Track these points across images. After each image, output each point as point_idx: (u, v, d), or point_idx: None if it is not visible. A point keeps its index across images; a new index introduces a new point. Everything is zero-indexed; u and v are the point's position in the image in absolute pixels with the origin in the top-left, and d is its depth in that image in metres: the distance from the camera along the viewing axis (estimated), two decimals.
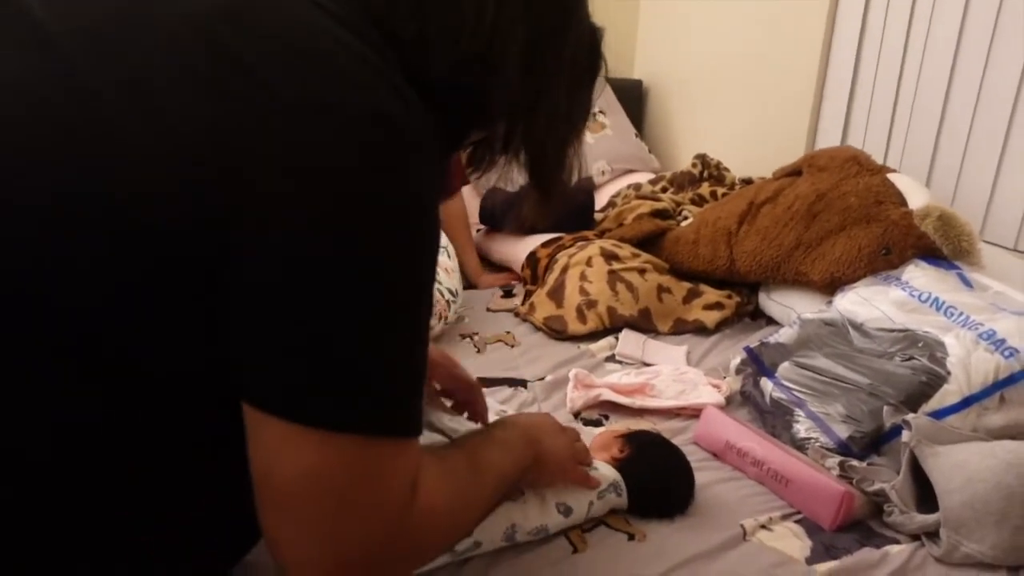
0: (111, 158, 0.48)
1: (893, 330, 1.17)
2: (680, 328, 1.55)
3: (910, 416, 1.01)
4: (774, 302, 1.57)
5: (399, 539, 0.55)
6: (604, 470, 0.93)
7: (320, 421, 0.49)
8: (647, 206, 1.85)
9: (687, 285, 1.62)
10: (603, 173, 2.35)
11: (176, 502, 0.55)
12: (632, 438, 1.00)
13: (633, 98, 2.62)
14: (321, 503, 0.50)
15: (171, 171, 0.48)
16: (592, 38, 0.71)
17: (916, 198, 1.45)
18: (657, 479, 0.97)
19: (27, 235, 0.47)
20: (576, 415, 1.23)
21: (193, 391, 0.52)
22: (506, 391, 1.27)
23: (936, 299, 1.17)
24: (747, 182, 2.00)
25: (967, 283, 1.25)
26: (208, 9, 0.51)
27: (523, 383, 1.31)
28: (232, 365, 0.50)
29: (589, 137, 2.36)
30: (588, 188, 2.08)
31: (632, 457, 0.97)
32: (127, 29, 0.51)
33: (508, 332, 1.53)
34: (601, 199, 2.16)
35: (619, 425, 1.21)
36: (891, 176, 1.52)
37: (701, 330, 1.55)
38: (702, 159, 2.05)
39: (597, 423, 1.22)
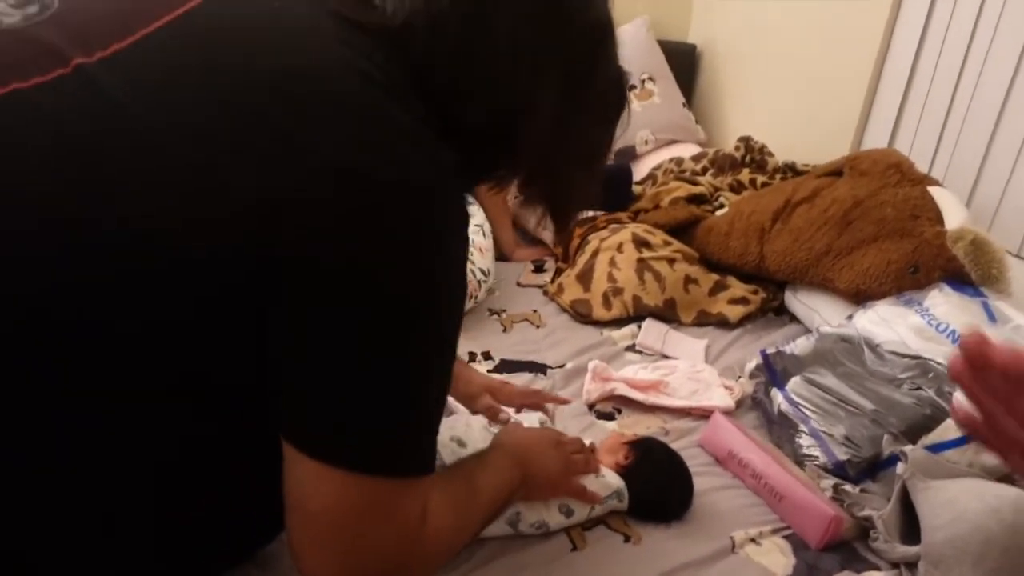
0: (160, 197, 0.53)
1: (907, 356, 1.20)
2: (703, 320, 1.59)
3: (908, 448, 1.05)
4: (799, 302, 1.60)
5: (410, 559, 0.63)
6: (610, 478, 0.99)
7: (346, 463, 0.56)
8: (684, 190, 1.86)
9: (714, 277, 1.65)
10: (646, 143, 2.34)
11: (214, 493, 0.62)
12: (638, 445, 1.06)
13: (685, 64, 2.57)
14: (342, 530, 0.57)
15: (235, 222, 0.53)
16: (619, 77, 0.73)
17: (953, 217, 1.44)
18: (657, 488, 1.03)
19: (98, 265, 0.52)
20: (591, 407, 1.29)
21: (239, 408, 0.59)
22: (526, 376, 1.34)
23: (953, 331, 1.19)
24: (790, 167, 1.99)
25: (990, 314, 1.26)
26: (270, 83, 0.56)
27: (543, 369, 1.37)
28: (271, 400, 0.56)
29: (636, 104, 2.34)
30: (625, 166, 2.08)
31: (636, 465, 1.03)
32: (196, 95, 0.56)
33: (535, 311, 1.58)
34: (642, 170, 2.16)
35: (630, 420, 1.27)
36: (932, 189, 1.50)
37: (723, 323, 1.59)
38: (746, 142, 2.03)
39: (610, 416, 1.28)
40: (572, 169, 0.72)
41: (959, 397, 0.57)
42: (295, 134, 0.54)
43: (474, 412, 1.05)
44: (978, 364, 0.51)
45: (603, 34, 0.70)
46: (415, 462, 0.60)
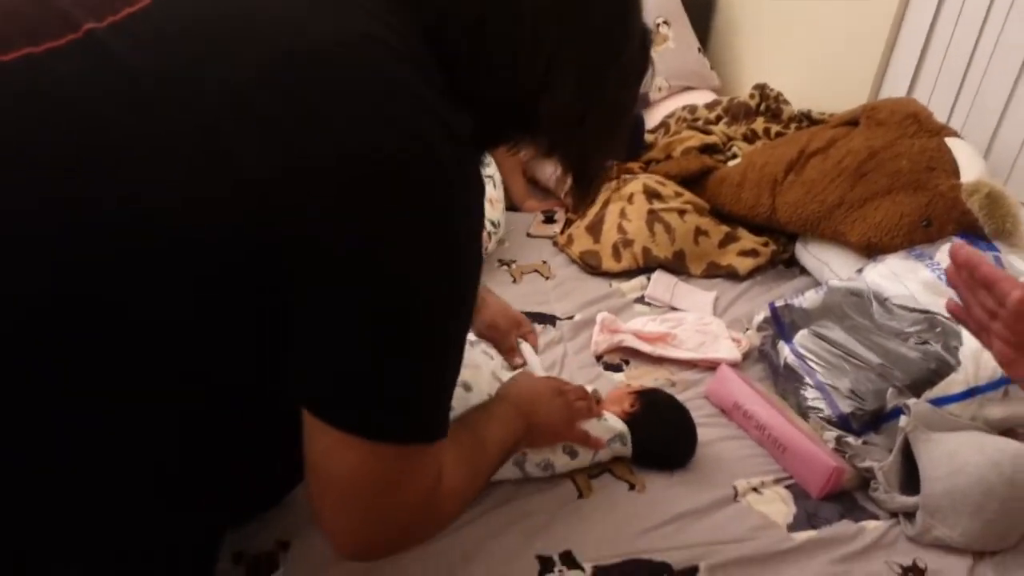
0: (169, 180, 0.52)
1: (915, 310, 1.20)
2: (712, 272, 1.59)
3: (911, 401, 1.07)
4: (810, 254, 1.59)
5: (428, 517, 0.66)
6: (612, 422, 1.02)
7: (366, 432, 0.57)
8: (697, 139, 1.84)
9: (725, 229, 1.64)
10: (660, 90, 2.30)
11: (232, 453, 0.64)
12: (643, 395, 1.08)
13: (701, 5, 2.50)
14: (362, 494, 0.60)
15: (236, 201, 0.52)
16: (643, 39, 0.71)
17: (970, 169, 1.42)
18: (661, 435, 1.05)
19: (101, 245, 0.51)
20: (599, 358, 1.31)
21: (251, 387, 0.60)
22: (536, 328, 1.35)
23: None
24: (806, 116, 1.95)
25: (1001, 268, 1.25)
26: (283, 56, 0.54)
27: (552, 320, 1.38)
28: (293, 375, 0.57)
29: None
30: (638, 115, 2.05)
31: (641, 413, 1.05)
32: (205, 67, 0.54)
33: (544, 262, 1.59)
34: (655, 118, 2.13)
35: (638, 372, 1.29)
36: (949, 141, 1.48)
37: (733, 275, 1.59)
38: (761, 90, 1.99)
39: (618, 368, 1.30)
40: (595, 136, 0.70)
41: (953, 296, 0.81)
42: (307, 108, 0.53)
43: (496, 344, 1.10)
44: (960, 263, 0.75)
45: (628, 18, 0.67)
46: (433, 428, 0.62)
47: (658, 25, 2.35)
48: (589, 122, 0.69)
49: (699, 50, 2.41)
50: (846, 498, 1.05)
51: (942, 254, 1.28)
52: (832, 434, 1.09)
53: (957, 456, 1.00)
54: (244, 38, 0.55)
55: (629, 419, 1.04)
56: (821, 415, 1.14)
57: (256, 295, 0.54)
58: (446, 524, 0.72)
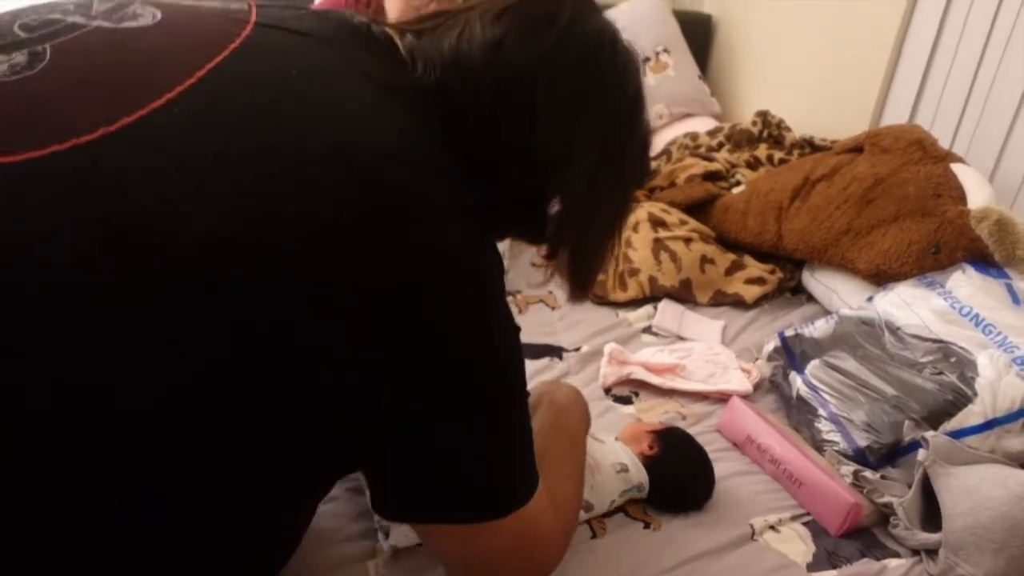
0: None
1: (929, 339, 1.18)
2: (719, 300, 1.58)
3: (929, 434, 1.05)
4: (817, 282, 1.58)
5: (562, 537, 0.70)
6: (634, 472, 0.99)
7: (478, 518, 0.59)
8: (700, 167, 1.83)
9: (731, 256, 1.63)
10: (660, 117, 2.30)
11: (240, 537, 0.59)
12: (663, 437, 1.05)
13: (700, 34, 2.51)
14: (503, 560, 0.63)
15: (272, 290, 0.49)
16: (647, 142, 0.72)
17: (977, 195, 1.41)
18: (681, 481, 1.02)
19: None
20: (607, 391, 1.29)
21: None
22: (543, 361, 1.33)
23: (976, 315, 1.18)
24: (808, 142, 1.96)
25: (1014, 296, 1.24)
26: (310, 154, 0.51)
27: (559, 353, 1.36)
28: (390, 493, 0.58)
29: (650, 78, 2.30)
30: None
31: (660, 457, 1.02)
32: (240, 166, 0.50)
33: (550, 292, 1.57)
34: (657, 145, 2.13)
35: (647, 404, 1.27)
36: (955, 167, 1.47)
37: (740, 304, 1.58)
38: (763, 117, 1.99)
39: (627, 400, 1.28)
40: (597, 234, 0.71)
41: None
42: (334, 211, 0.51)
43: None
44: None
45: (637, 101, 0.68)
46: (530, 486, 0.63)
47: (658, 53, 2.36)
48: (593, 218, 0.69)
49: (699, 77, 2.42)
50: (866, 535, 1.03)
51: (953, 281, 1.27)
52: (849, 468, 1.07)
53: (978, 491, 0.97)
54: (270, 146, 0.51)
55: (648, 462, 1.01)
56: (836, 448, 1.12)
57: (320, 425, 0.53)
58: (575, 525, 0.77)
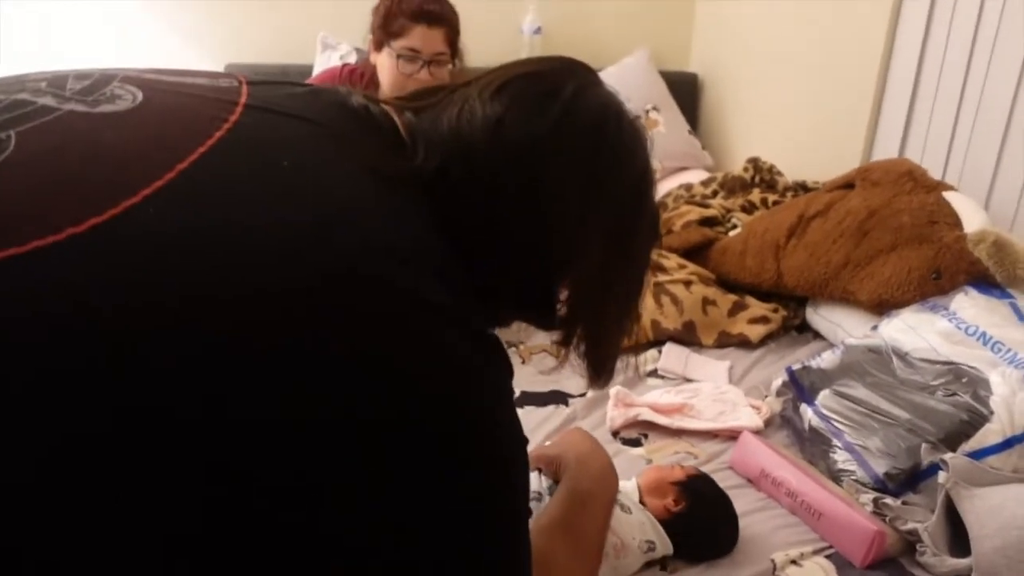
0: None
1: (938, 362, 1.16)
2: (724, 342, 1.56)
3: (948, 456, 1.01)
4: (821, 317, 1.57)
5: None
6: (660, 547, 0.94)
7: None
8: (696, 213, 1.85)
9: (733, 297, 1.62)
10: (655, 171, 2.34)
11: None
12: (688, 490, 0.99)
13: (687, 92, 2.59)
14: None
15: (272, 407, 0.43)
16: (656, 217, 0.69)
17: (972, 220, 1.42)
18: (708, 537, 0.99)
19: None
20: (615, 434, 1.26)
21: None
22: (548, 408, 1.31)
23: (983, 333, 1.16)
24: (801, 186, 1.98)
25: (1019, 314, 1.23)
26: (329, 264, 0.47)
27: (564, 399, 1.34)
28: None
29: None
30: None
31: (686, 513, 0.97)
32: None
33: (553, 342, 1.56)
34: None
35: (657, 445, 1.24)
36: (948, 195, 1.49)
37: (745, 344, 1.56)
38: (754, 163, 2.03)
39: (636, 442, 1.25)
40: (611, 319, 0.67)
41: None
42: (321, 329, 0.45)
43: None
44: None
45: (646, 177, 0.64)
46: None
47: (647, 111, 2.43)
48: (607, 302, 0.66)
49: (689, 132, 2.48)
50: (892, 565, 0.98)
51: (957, 303, 1.26)
52: (868, 496, 1.04)
53: (1004, 510, 0.94)
54: (262, 262, 0.46)
55: (673, 518, 0.96)
56: (854, 478, 1.08)
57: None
58: None
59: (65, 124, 0.48)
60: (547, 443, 0.99)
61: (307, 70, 2.08)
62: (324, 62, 2.19)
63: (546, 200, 0.57)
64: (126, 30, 2.20)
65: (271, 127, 0.54)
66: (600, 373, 0.69)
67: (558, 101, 0.59)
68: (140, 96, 0.52)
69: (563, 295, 0.63)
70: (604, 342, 0.67)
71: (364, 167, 0.53)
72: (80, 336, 0.40)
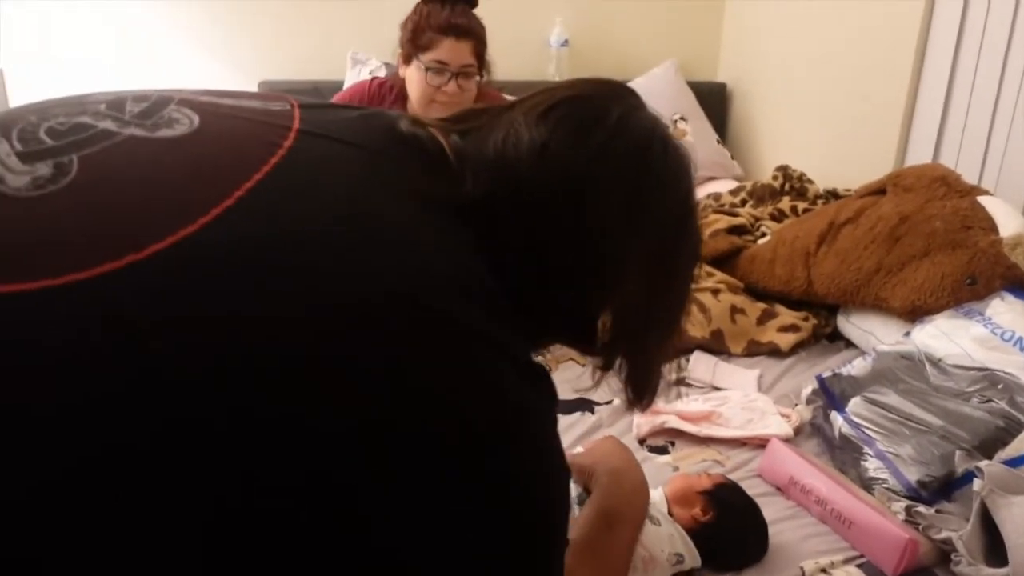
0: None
1: (972, 368, 1.14)
2: (753, 350, 1.54)
3: (983, 463, 0.99)
4: (853, 325, 1.54)
5: None
6: (689, 560, 0.92)
7: None
8: (724, 221, 1.84)
9: (762, 306, 1.60)
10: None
11: None
12: (716, 499, 0.98)
13: (716, 102, 2.58)
14: None
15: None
16: (697, 243, 0.68)
17: (1009, 224, 1.39)
18: (738, 546, 0.97)
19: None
20: (642, 441, 1.25)
21: None
22: (575, 416, 1.31)
23: (1021, 339, 1.13)
24: (832, 194, 1.96)
25: None
26: (355, 303, 0.47)
27: (591, 407, 1.34)
28: None
29: None
30: None
31: (715, 523, 0.96)
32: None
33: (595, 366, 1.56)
34: None
35: (684, 453, 1.23)
36: (982, 199, 1.46)
37: (775, 352, 1.54)
38: (784, 171, 2.01)
39: (663, 450, 1.24)
40: (654, 344, 0.67)
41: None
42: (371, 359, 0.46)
43: None
44: None
45: (689, 203, 0.64)
46: None
47: (675, 121, 2.43)
48: (650, 325, 0.65)
49: (718, 141, 2.47)
50: (926, 575, 0.96)
51: (992, 309, 1.23)
52: (900, 504, 1.01)
53: None
54: (312, 292, 0.47)
55: (701, 528, 0.95)
56: (885, 486, 1.06)
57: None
58: None
59: (125, 149, 0.50)
60: (579, 449, 0.99)
61: (338, 86, 2.12)
62: (354, 77, 2.23)
63: (590, 225, 0.57)
64: (126, 30, 2.20)
65: (323, 153, 0.54)
66: (642, 396, 0.68)
67: (603, 126, 0.59)
68: (197, 121, 0.53)
69: (605, 319, 0.63)
70: (646, 365, 0.67)
71: (412, 192, 0.54)
72: (124, 357, 0.41)
